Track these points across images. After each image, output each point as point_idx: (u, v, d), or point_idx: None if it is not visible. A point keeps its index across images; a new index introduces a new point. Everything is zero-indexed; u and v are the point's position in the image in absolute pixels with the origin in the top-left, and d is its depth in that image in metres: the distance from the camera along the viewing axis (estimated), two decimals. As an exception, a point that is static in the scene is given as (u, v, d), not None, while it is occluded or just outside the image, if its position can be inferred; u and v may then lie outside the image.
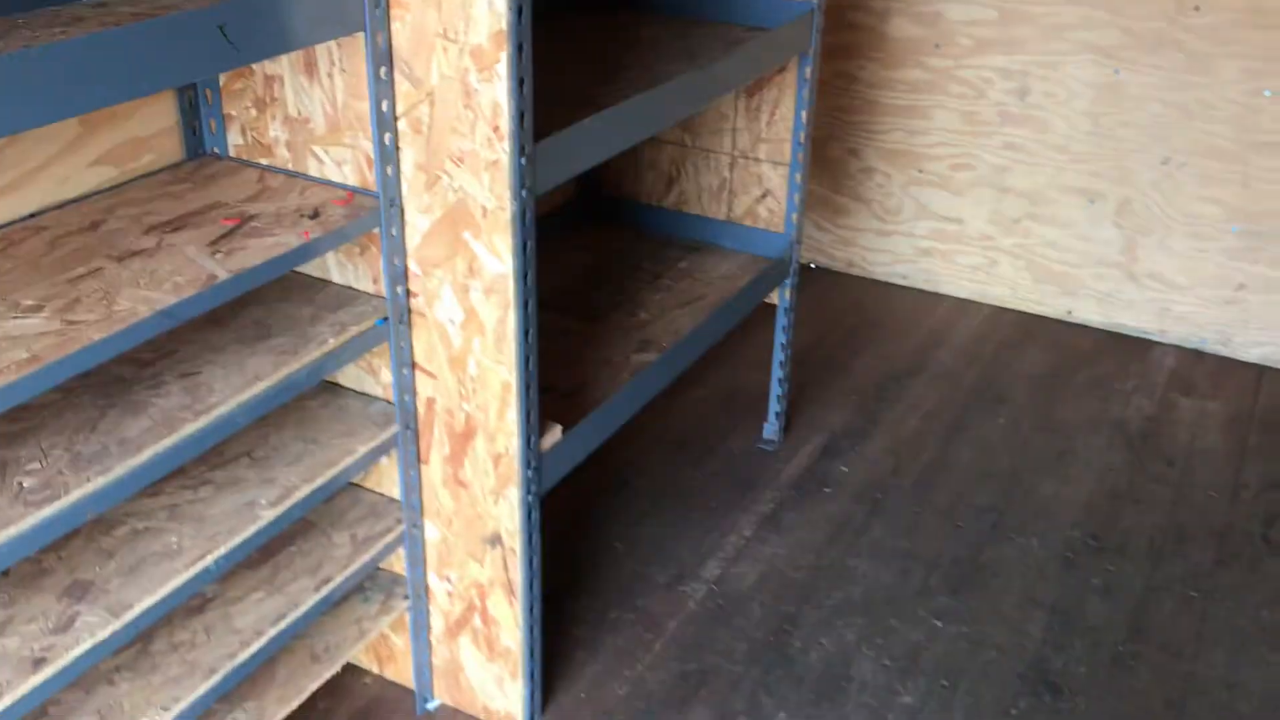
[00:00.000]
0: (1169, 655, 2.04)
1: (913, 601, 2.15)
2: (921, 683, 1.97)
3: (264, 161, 1.64)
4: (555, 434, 1.73)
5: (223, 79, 1.62)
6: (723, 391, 2.80)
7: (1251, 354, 2.94)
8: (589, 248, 2.47)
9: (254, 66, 1.58)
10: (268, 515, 1.48)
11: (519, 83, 1.42)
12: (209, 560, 1.41)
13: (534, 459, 1.67)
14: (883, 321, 3.14)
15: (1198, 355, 2.98)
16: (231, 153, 1.66)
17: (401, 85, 1.48)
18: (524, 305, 1.55)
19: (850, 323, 3.13)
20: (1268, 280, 2.85)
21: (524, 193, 1.49)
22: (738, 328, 3.00)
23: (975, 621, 2.10)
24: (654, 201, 2.54)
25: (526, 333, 1.58)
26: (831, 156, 3.27)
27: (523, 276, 1.53)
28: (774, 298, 2.44)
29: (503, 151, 1.45)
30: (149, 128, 1.60)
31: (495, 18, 1.37)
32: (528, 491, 1.67)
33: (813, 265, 3.43)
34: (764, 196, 2.40)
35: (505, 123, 1.43)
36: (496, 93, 1.42)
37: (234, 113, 1.63)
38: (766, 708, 1.92)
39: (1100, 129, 2.91)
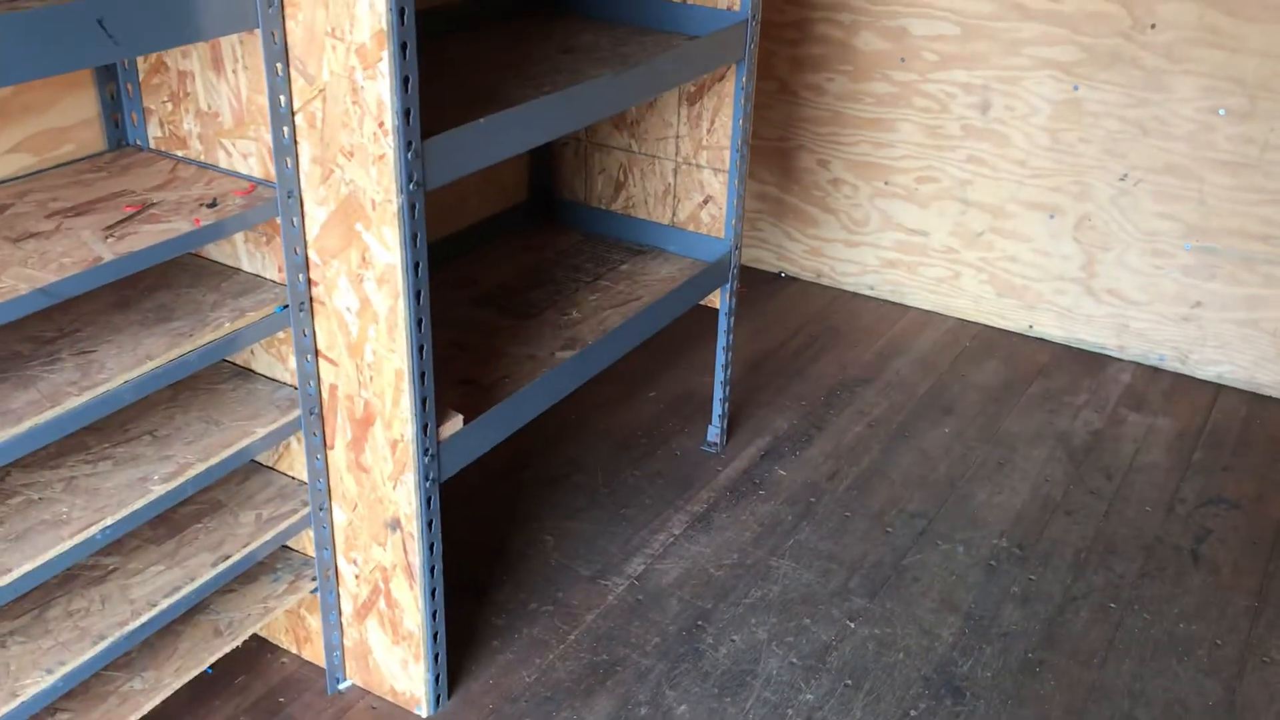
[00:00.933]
0: (1077, 663, 2.06)
1: (829, 602, 2.18)
2: (825, 681, 2.00)
3: (179, 153, 1.71)
4: (456, 423, 1.78)
5: (142, 74, 1.69)
6: (674, 394, 2.84)
7: (1208, 372, 2.95)
8: (536, 248, 2.53)
9: (168, 62, 1.65)
10: (158, 490, 1.55)
11: (404, 81, 1.48)
12: (94, 530, 1.48)
13: (432, 446, 1.72)
14: (845, 331, 3.17)
15: (1155, 372, 2.99)
16: (152, 145, 1.74)
17: (297, 81, 1.54)
18: (415, 295, 1.61)
19: (812, 331, 3.16)
20: (1224, 298, 2.86)
21: (412, 186, 1.54)
22: (695, 333, 3.06)
23: (888, 624, 2.13)
24: (603, 205, 2.59)
25: (420, 322, 1.63)
26: (802, 167, 3.31)
27: (413, 267, 1.59)
28: (718, 303, 2.49)
29: (388, 146, 1.50)
30: (69, 119, 1.67)
31: (376, 17, 1.43)
32: (425, 478, 1.73)
33: (783, 274, 3.46)
34: (706, 202, 2.45)
35: (390, 119, 1.49)
36: (380, 90, 1.48)
37: (153, 106, 1.71)
38: (668, 700, 1.96)
39: (1059, 144, 2.93)
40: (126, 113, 1.72)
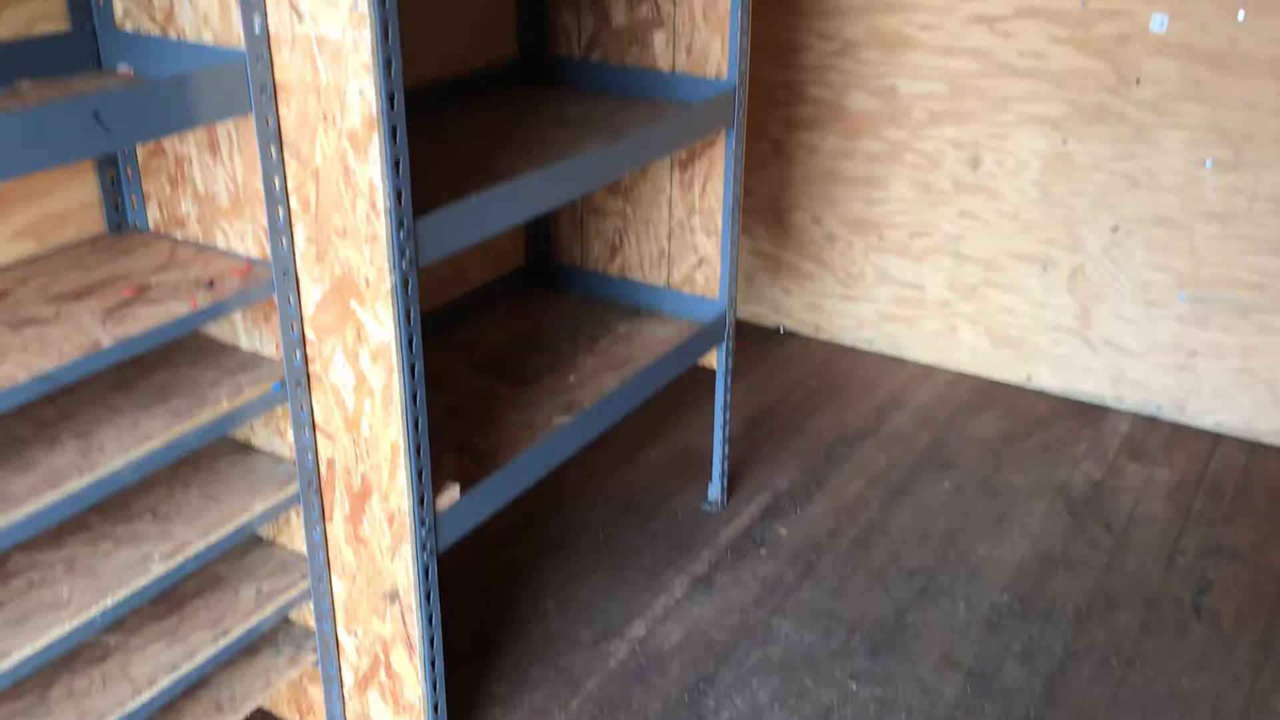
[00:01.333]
0: (1080, 720, 2.05)
1: (830, 662, 2.18)
2: (827, 743, 2.00)
3: (178, 235, 1.74)
4: (453, 494, 1.80)
5: (141, 158, 1.73)
6: (675, 453, 2.86)
7: (1206, 421, 2.96)
8: (533, 314, 2.56)
9: (166, 147, 1.69)
10: (158, 569, 1.56)
11: (394, 163, 1.51)
12: (95, 611, 1.49)
13: (428, 518, 1.74)
14: (843, 385, 3.19)
15: (1153, 422, 3.00)
16: (151, 227, 1.77)
17: (290, 164, 1.58)
18: (409, 370, 1.63)
19: (811, 386, 3.18)
20: (1219, 347, 2.88)
21: (404, 264, 1.57)
22: (694, 390, 3.07)
23: (890, 683, 2.13)
24: (600, 269, 2.63)
25: (415, 396, 1.66)
26: (796, 224, 3.35)
27: (407, 343, 1.61)
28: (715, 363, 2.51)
29: (380, 227, 1.54)
30: (70, 203, 1.71)
31: (366, 104, 1.47)
32: (422, 549, 1.74)
33: (781, 330, 3.49)
34: (700, 264, 2.48)
35: (381, 200, 1.52)
36: (372, 172, 1.51)
37: (151, 189, 1.74)
38: (670, 765, 1.96)
39: (1050, 198, 2.96)
40: (126, 196, 1.76)
